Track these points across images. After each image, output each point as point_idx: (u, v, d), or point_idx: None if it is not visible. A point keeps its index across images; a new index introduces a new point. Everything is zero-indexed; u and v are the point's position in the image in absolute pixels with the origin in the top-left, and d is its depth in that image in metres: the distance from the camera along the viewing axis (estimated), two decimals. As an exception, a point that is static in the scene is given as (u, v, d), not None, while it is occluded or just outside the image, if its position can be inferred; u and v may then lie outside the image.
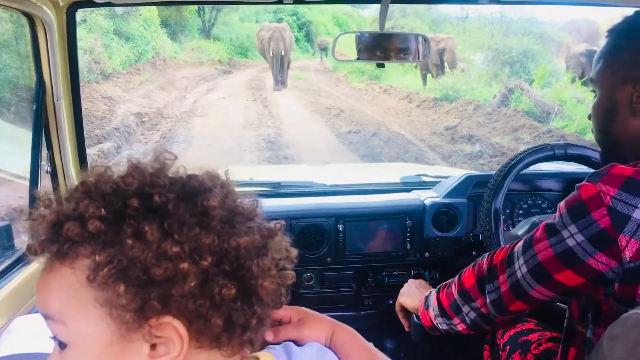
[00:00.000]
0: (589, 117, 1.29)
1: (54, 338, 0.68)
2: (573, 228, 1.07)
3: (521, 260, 1.18)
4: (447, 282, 1.47)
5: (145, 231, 0.63)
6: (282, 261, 0.73)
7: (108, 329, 0.64)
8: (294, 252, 0.76)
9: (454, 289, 1.39)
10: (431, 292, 1.51)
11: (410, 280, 1.73)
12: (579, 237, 1.06)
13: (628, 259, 1.02)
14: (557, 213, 1.14)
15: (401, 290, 1.70)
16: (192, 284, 0.63)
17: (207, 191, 0.68)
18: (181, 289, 0.63)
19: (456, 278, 1.41)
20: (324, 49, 18.42)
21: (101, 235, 0.63)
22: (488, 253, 1.34)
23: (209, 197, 0.67)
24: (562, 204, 1.13)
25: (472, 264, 1.37)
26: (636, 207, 1.02)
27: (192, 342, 0.66)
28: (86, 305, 0.64)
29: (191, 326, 0.65)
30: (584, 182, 1.10)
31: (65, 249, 0.64)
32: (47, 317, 0.67)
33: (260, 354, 0.78)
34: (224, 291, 0.64)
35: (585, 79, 13.07)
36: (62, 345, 0.67)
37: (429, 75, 16.32)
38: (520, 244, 1.21)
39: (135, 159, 0.70)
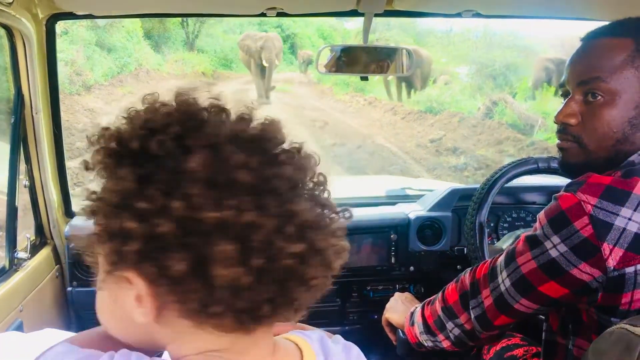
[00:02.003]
0: (578, 125, 1.21)
1: None
2: (556, 239, 1.06)
3: (504, 274, 1.17)
4: (431, 298, 1.45)
5: (123, 176, 0.58)
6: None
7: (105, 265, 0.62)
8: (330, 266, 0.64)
9: (437, 305, 1.37)
10: (416, 307, 1.49)
11: (397, 294, 1.71)
12: (562, 248, 1.05)
13: (612, 267, 1.02)
14: (538, 224, 1.13)
15: (387, 305, 1.68)
16: (141, 247, 0.57)
17: (202, 146, 0.59)
18: (131, 247, 0.57)
19: (440, 294, 1.39)
20: (306, 62, 18.41)
21: (104, 167, 0.62)
22: (471, 268, 1.33)
23: (197, 154, 0.59)
24: (541, 215, 1.12)
25: (455, 279, 1.36)
26: (617, 214, 1.01)
27: (169, 308, 0.60)
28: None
29: (155, 290, 0.59)
30: (562, 193, 1.09)
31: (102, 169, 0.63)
32: None
33: (294, 338, 0.73)
34: (175, 265, 0.56)
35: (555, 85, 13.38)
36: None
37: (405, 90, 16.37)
38: (502, 257, 1.20)
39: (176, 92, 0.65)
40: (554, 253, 1.07)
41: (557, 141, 1.25)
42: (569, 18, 2.00)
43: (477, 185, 1.89)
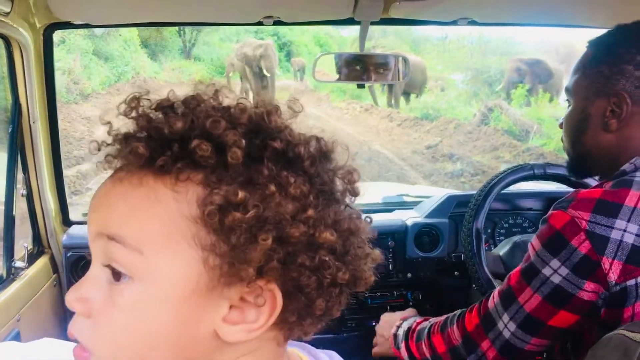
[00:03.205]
0: (560, 126, 1.28)
1: (108, 266, 0.55)
2: (555, 262, 1.04)
3: (505, 318, 1.12)
4: (414, 327, 1.40)
5: (290, 183, 0.53)
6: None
7: (197, 276, 0.53)
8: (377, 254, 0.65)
9: (425, 349, 1.32)
10: (398, 330, 1.46)
11: (378, 326, 1.68)
12: (563, 271, 1.03)
13: (614, 281, 1.00)
14: (531, 252, 1.10)
15: (374, 341, 1.66)
16: (319, 258, 0.54)
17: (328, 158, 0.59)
18: (305, 258, 0.53)
19: (424, 334, 1.33)
20: (300, 70, 18.37)
21: (236, 169, 0.53)
22: (452, 318, 1.27)
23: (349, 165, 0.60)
24: (534, 241, 1.10)
25: (439, 326, 1.30)
26: (612, 227, 1.00)
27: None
28: (181, 241, 0.53)
29: (290, 302, 0.55)
30: (551, 212, 1.08)
31: (176, 166, 0.53)
32: (111, 237, 0.54)
33: (293, 350, 0.70)
34: (339, 275, 0.56)
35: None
36: (117, 277, 0.54)
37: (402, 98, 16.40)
38: (496, 300, 1.16)
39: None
40: (556, 279, 1.04)
41: None
42: (564, 25, 2.02)
43: (474, 192, 1.90)
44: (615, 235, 1.00)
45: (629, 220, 1.00)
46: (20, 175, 1.79)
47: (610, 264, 1.00)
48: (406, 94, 15.43)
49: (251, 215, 0.51)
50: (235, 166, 0.52)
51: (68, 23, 1.72)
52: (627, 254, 1.00)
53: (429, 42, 19.74)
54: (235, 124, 0.54)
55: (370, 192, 3.51)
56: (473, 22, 1.82)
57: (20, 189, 1.80)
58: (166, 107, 0.56)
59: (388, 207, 2.42)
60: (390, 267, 2.16)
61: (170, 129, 0.53)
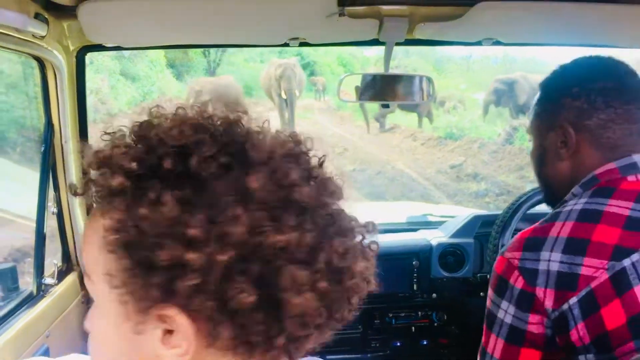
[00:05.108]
0: None
1: None
2: (504, 304, 1.13)
3: None
4: None
5: (164, 201, 0.51)
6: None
7: (122, 299, 0.54)
8: (370, 282, 0.61)
9: None
10: None
11: None
12: (511, 309, 1.12)
13: (551, 308, 1.07)
14: (487, 302, 1.19)
15: None
16: (200, 280, 0.51)
17: (259, 164, 0.54)
18: (187, 282, 0.51)
19: None
20: (320, 89, 18.35)
21: (124, 193, 0.53)
22: None
23: (255, 173, 0.54)
24: (489, 291, 1.19)
25: None
26: (539, 260, 1.09)
27: (202, 341, 0.55)
28: (102, 268, 0.56)
29: (197, 326, 0.54)
30: (496, 260, 1.19)
31: (102, 196, 0.56)
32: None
33: None
34: (241, 297, 0.51)
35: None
36: (91, 301, 0.60)
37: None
38: (478, 356, 1.23)
39: (202, 102, 0.59)
40: (508, 319, 1.13)
41: None
42: (589, 45, 2.01)
43: (499, 212, 1.89)
44: (542, 266, 1.08)
45: (551, 250, 1.09)
46: (51, 194, 1.83)
47: (544, 293, 1.08)
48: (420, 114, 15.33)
49: (115, 237, 0.53)
50: (119, 192, 0.54)
51: (100, 46, 1.77)
52: (555, 281, 1.07)
53: (452, 61, 19.74)
54: (140, 142, 0.56)
55: (393, 211, 3.50)
56: (498, 43, 1.82)
57: (50, 207, 1.84)
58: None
59: (412, 226, 2.42)
60: (415, 287, 2.15)
61: (96, 160, 0.57)
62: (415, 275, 2.14)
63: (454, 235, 2.17)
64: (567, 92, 1.22)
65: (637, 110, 1.19)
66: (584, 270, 1.05)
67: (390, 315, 2.19)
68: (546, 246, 1.10)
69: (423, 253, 2.15)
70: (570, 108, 1.21)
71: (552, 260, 1.08)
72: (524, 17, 1.58)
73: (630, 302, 1.04)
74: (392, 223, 2.51)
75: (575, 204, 1.15)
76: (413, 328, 2.16)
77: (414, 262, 2.14)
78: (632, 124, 1.18)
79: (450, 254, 2.14)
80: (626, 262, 1.05)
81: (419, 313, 2.19)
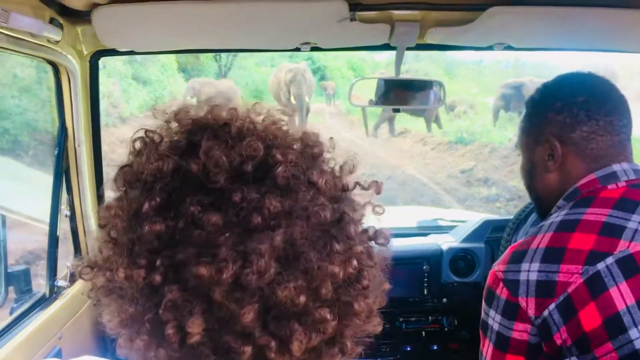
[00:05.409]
0: None
1: None
2: (492, 312, 1.20)
3: None
4: None
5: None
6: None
7: None
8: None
9: None
10: None
11: None
12: (497, 318, 1.19)
13: (533, 316, 1.13)
14: (482, 310, 1.26)
15: None
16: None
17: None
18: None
19: None
20: (329, 93, 18.28)
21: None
22: None
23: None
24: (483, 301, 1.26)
25: None
26: (520, 271, 1.16)
27: None
28: None
29: None
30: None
31: None
32: None
33: None
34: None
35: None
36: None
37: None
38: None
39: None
40: (495, 326, 1.20)
41: None
42: (601, 50, 2.01)
43: (510, 217, 1.89)
44: (523, 277, 1.15)
45: (531, 261, 1.15)
46: (64, 197, 1.85)
47: (526, 302, 1.14)
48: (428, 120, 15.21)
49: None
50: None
51: (113, 50, 1.78)
52: (535, 289, 1.13)
53: (463, 65, 19.67)
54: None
55: (403, 216, 3.49)
56: (509, 47, 1.82)
57: (64, 210, 1.85)
58: None
59: (423, 231, 2.41)
60: (426, 291, 2.14)
61: None
62: (425, 279, 2.14)
63: (465, 240, 2.16)
64: (551, 107, 1.29)
65: (619, 122, 1.25)
66: (560, 277, 1.12)
67: (401, 319, 2.18)
68: (526, 258, 1.17)
69: (434, 258, 2.14)
70: (555, 122, 1.27)
71: (531, 270, 1.14)
72: (536, 22, 1.58)
73: (605, 304, 1.09)
74: (402, 228, 2.51)
75: (557, 216, 1.22)
76: (423, 333, 2.16)
77: (424, 267, 2.13)
78: (615, 135, 1.24)
79: (461, 259, 2.14)
80: (600, 266, 1.10)
81: (430, 318, 2.19)
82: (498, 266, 1.21)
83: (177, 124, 0.62)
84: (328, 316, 0.57)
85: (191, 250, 0.54)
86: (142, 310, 0.57)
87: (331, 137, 0.67)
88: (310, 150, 0.62)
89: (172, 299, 0.54)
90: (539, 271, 1.14)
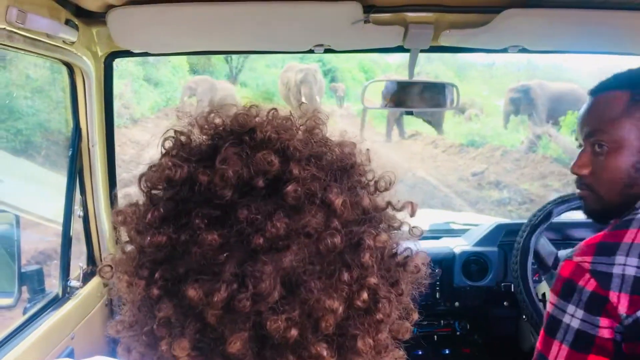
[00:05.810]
0: (578, 172, 1.28)
1: None
2: (571, 308, 1.10)
3: None
4: None
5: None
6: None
7: None
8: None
9: None
10: None
11: None
12: (579, 313, 1.09)
13: (625, 314, 1.05)
14: (549, 307, 1.16)
15: None
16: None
17: None
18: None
19: None
20: (339, 95, 18.23)
21: None
22: None
23: None
24: (550, 297, 1.16)
25: None
26: (613, 264, 1.07)
27: None
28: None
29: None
30: (560, 265, 1.16)
31: None
32: None
33: None
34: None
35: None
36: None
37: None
38: None
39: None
40: (575, 323, 1.09)
41: (577, 190, 1.32)
42: (616, 53, 1.99)
43: (523, 221, 1.87)
44: (617, 270, 1.06)
45: (627, 255, 1.07)
46: (77, 197, 1.86)
47: (618, 297, 1.05)
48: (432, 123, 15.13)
49: None
50: None
51: (128, 51, 1.79)
52: (632, 286, 1.04)
53: (475, 68, 19.58)
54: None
55: (414, 219, 3.48)
56: (524, 50, 1.80)
57: (77, 210, 1.86)
58: None
59: (435, 234, 2.40)
60: (438, 295, 2.13)
61: None
62: (438, 283, 2.13)
63: (478, 244, 2.15)
64: None
65: None
66: None
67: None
68: (621, 251, 1.08)
69: (446, 261, 2.13)
70: None
71: (627, 264, 1.06)
72: (551, 25, 1.57)
73: None
74: (414, 230, 2.50)
75: None
76: (435, 337, 2.15)
77: (436, 270, 2.12)
78: None
79: (473, 263, 2.12)
80: None
81: (442, 321, 2.18)
82: (581, 257, 1.11)
83: (205, 126, 0.61)
84: (324, 353, 0.53)
85: (190, 267, 0.53)
86: (143, 320, 0.56)
87: (368, 149, 0.64)
88: (339, 164, 0.59)
89: (165, 316, 0.53)
90: (637, 267, 1.05)
